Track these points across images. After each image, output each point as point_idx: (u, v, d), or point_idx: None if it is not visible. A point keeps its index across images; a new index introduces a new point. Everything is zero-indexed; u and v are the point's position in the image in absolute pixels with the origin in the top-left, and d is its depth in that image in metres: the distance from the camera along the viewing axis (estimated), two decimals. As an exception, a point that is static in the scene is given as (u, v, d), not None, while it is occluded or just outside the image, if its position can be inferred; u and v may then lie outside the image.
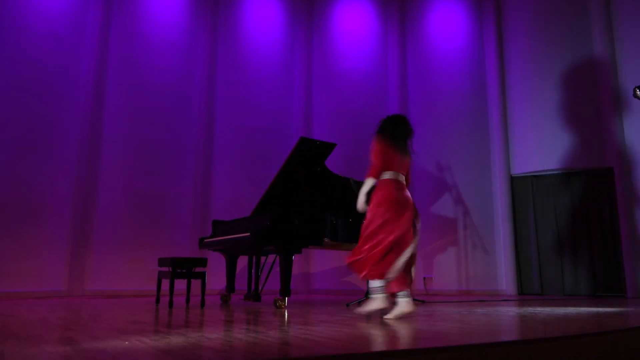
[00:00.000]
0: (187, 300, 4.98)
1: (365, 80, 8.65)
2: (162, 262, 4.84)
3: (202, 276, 4.76)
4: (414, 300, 5.56)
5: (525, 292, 7.59)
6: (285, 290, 4.50)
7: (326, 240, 4.77)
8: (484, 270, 7.71)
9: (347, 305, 4.93)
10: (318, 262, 8.10)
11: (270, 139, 8.19)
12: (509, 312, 3.95)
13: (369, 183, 3.44)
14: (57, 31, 6.80)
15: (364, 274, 3.30)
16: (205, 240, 5.50)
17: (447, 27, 8.66)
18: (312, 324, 2.99)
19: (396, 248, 3.23)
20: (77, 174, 6.87)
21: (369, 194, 3.46)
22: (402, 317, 3.21)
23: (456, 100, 8.29)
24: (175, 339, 2.23)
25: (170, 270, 4.59)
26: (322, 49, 8.83)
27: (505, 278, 7.61)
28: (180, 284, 5.46)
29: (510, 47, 8.25)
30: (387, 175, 3.43)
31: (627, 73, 7.24)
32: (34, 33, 6.59)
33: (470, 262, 7.77)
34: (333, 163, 6.24)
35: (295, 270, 7.63)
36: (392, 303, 3.31)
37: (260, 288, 5.38)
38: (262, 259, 5.56)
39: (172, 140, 7.56)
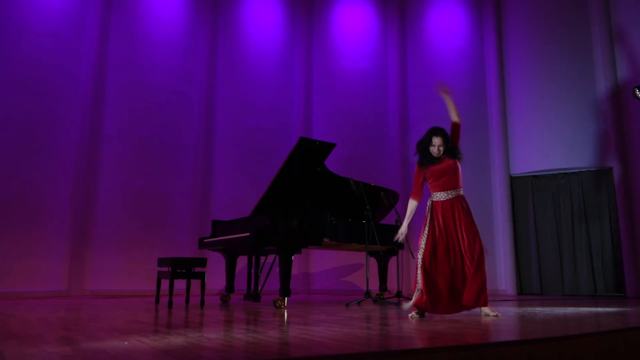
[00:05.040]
0: (187, 300, 4.97)
1: (365, 80, 8.65)
2: (161, 262, 4.84)
3: (201, 276, 4.76)
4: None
5: (525, 292, 7.59)
6: (285, 290, 4.50)
7: (326, 240, 4.76)
8: (483, 270, 7.70)
9: (347, 305, 4.92)
10: (318, 262, 8.10)
11: (270, 138, 8.19)
12: (509, 312, 3.95)
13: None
14: (57, 31, 6.79)
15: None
16: (205, 240, 5.50)
17: (447, 27, 8.66)
18: (312, 324, 2.99)
19: None
20: (77, 174, 6.86)
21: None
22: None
23: (456, 99, 8.16)
24: (175, 339, 2.23)
25: (170, 270, 4.59)
26: (322, 49, 8.83)
27: (504, 278, 7.61)
28: (180, 284, 5.46)
29: (510, 47, 8.26)
30: None
31: (627, 73, 7.24)
32: (34, 33, 6.58)
33: (470, 262, 7.76)
34: (333, 163, 6.25)
35: (295, 270, 7.64)
36: None
37: (260, 288, 5.38)
38: (262, 259, 5.56)
39: (172, 139, 7.56)
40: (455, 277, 3.37)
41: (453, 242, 3.42)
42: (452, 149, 3.56)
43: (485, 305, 3.39)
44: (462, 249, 3.39)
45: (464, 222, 3.42)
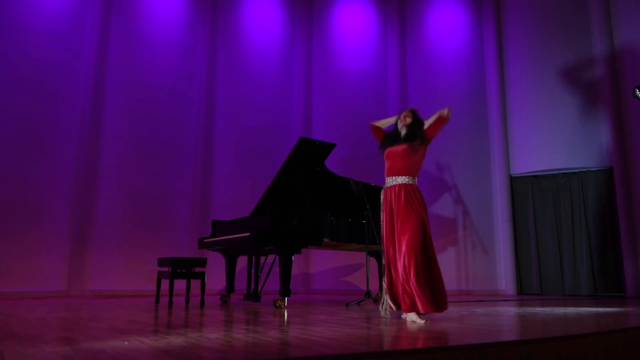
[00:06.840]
0: (187, 301, 4.97)
1: (364, 79, 8.65)
2: (161, 262, 4.84)
3: (201, 276, 4.76)
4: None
5: (524, 292, 7.59)
6: (284, 290, 4.50)
7: (326, 240, 4.77)
8: (483, 271, 7.71)
9: (347, 305, 4.92)
10: (318, 262, 8.10)
11: (270, 138, 8.18)
12: (509, 312, 3.95)
13: None
14: (57, 31, 6.79)
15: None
16: (205, 240, 5.50)
17: (446, 26, 8.66)
18: (312, 324, 2.99)
19: None
20: (77, 174, 6.86)
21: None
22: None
23: (456, 99, 8.28)
24: (175, 339, 2.23)
25: (170, 270, 4.59)
26: (322, 49, 8.83)
27: (504, 278, 7.61)
28: (180, 284, 5.46)
29: (510, 47, 8.25)
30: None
31: (627, 73, 7.24)
32: (34, 32, 6.58)
33: (469, 262, 7.77)
34: (333, 163, 6.25)
35: (295, 270, 7.64)
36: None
37: (259, 288, 5.38)
38: (262, 259, 5.56)
39: (172, 139, 7.56)
40: (393, 275, 3.18)
41: (390, 234, 3.19)
42: (414, 129, 3.26)
43: (413, 310, 3.03)
44: (397, 243, 3.11)
45: (403, 212, 3.12)
